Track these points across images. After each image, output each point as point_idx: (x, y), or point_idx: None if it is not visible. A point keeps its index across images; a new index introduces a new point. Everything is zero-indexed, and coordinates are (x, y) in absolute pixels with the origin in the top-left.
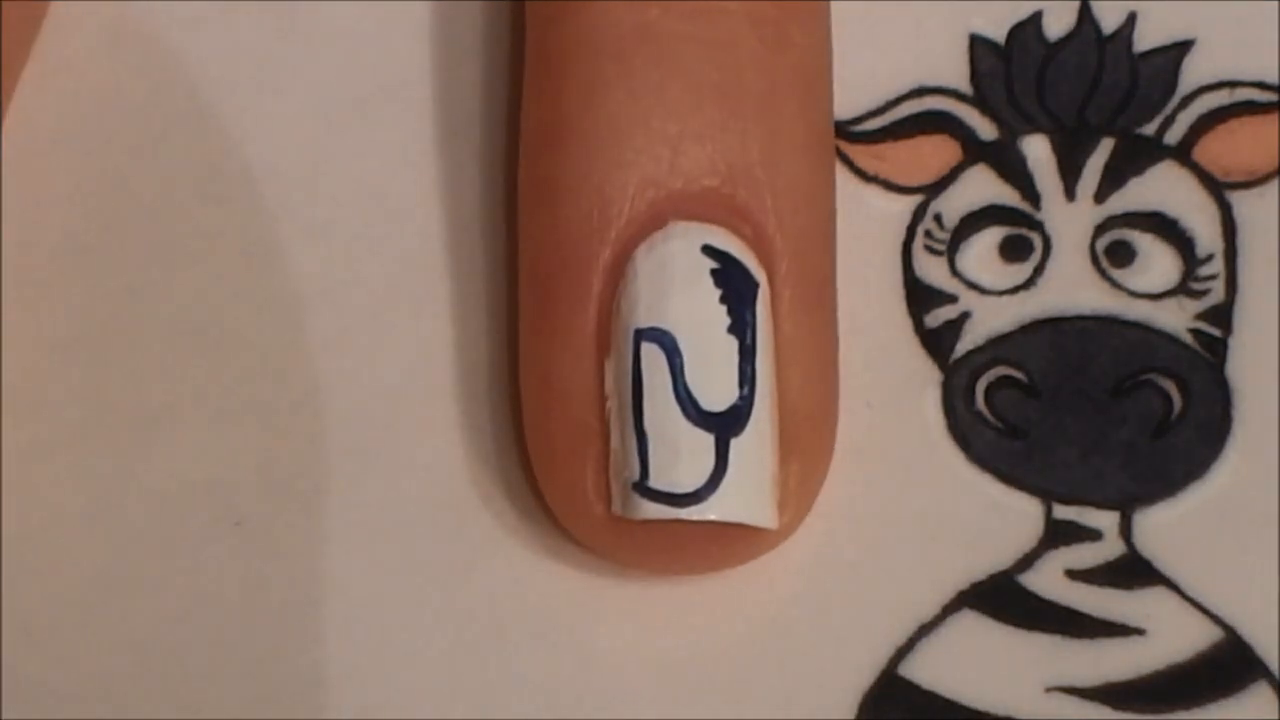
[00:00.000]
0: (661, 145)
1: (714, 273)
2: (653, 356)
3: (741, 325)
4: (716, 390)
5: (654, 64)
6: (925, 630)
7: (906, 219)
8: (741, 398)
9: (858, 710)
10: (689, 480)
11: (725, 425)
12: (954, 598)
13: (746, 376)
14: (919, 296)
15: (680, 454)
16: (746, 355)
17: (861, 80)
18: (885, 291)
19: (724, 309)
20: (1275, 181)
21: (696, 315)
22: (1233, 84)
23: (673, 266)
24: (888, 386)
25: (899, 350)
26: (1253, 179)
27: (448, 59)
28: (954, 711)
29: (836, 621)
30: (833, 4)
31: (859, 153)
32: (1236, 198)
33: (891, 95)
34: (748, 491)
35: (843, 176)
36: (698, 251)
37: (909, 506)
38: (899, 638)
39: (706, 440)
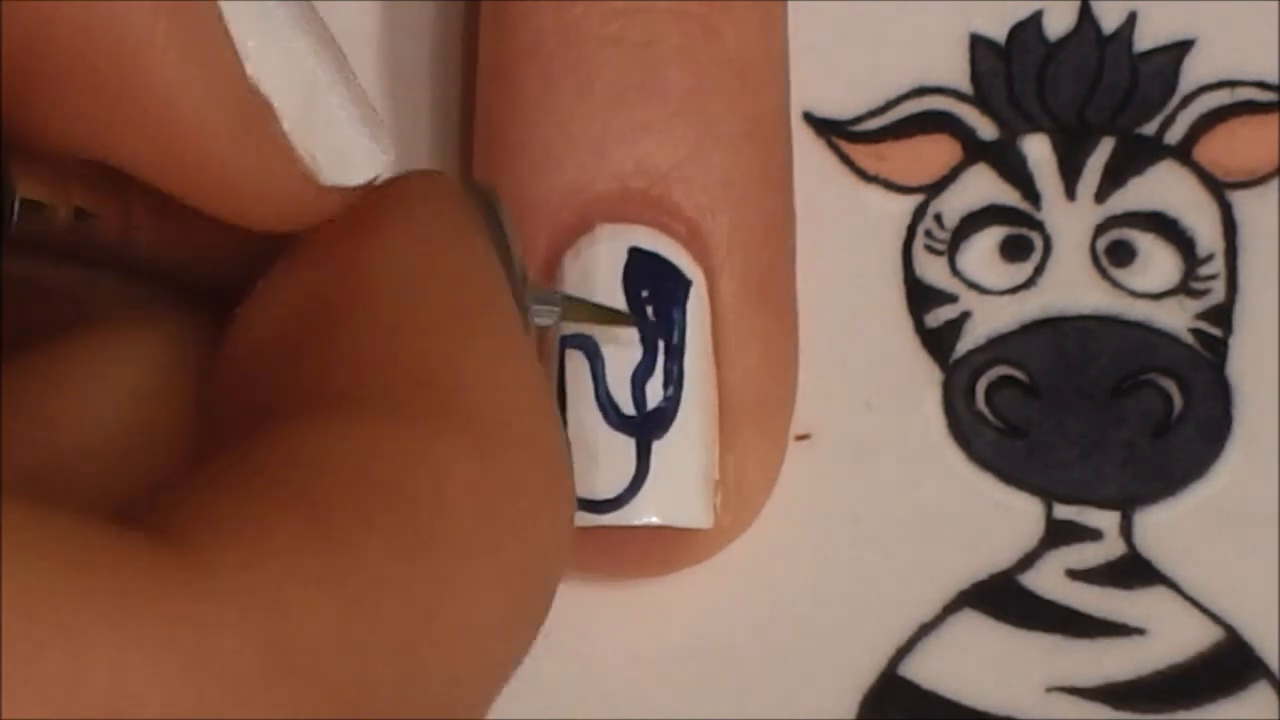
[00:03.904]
0: (584, 149)
1: (640, 274)
2: (576, 363)
3: (668, 325)
4: (639, 393)
5: (574, 67)
6: (925, 630)
7: (907, 219)
8: (666, 399)
9: (858, 710)
10: (607, 486)
11: (647, 428)
12: (954, 597)
13: (672, 377)
14: (919, 296)
15: (599, 460)
16: (673, 355)
17: (861, 80)
18: (885, 291)
19: (649, 309)
20: (1275, 181)
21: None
22: (1233, 84)
23: (597, 270)
24: (888, 386)
25: (899, 350)
26: (1253, 179)
27: (446, 60)
28: (954, 711)
29: (836, 621)
30: (834, 4)
31: (859, 153)
32: (1236, 197)
33: (892, 95)
34: (672, 493)
35: (843, 176)
36: (623, 254)
37: (909, 506)
38: (899, 638)
39: (627, 444)
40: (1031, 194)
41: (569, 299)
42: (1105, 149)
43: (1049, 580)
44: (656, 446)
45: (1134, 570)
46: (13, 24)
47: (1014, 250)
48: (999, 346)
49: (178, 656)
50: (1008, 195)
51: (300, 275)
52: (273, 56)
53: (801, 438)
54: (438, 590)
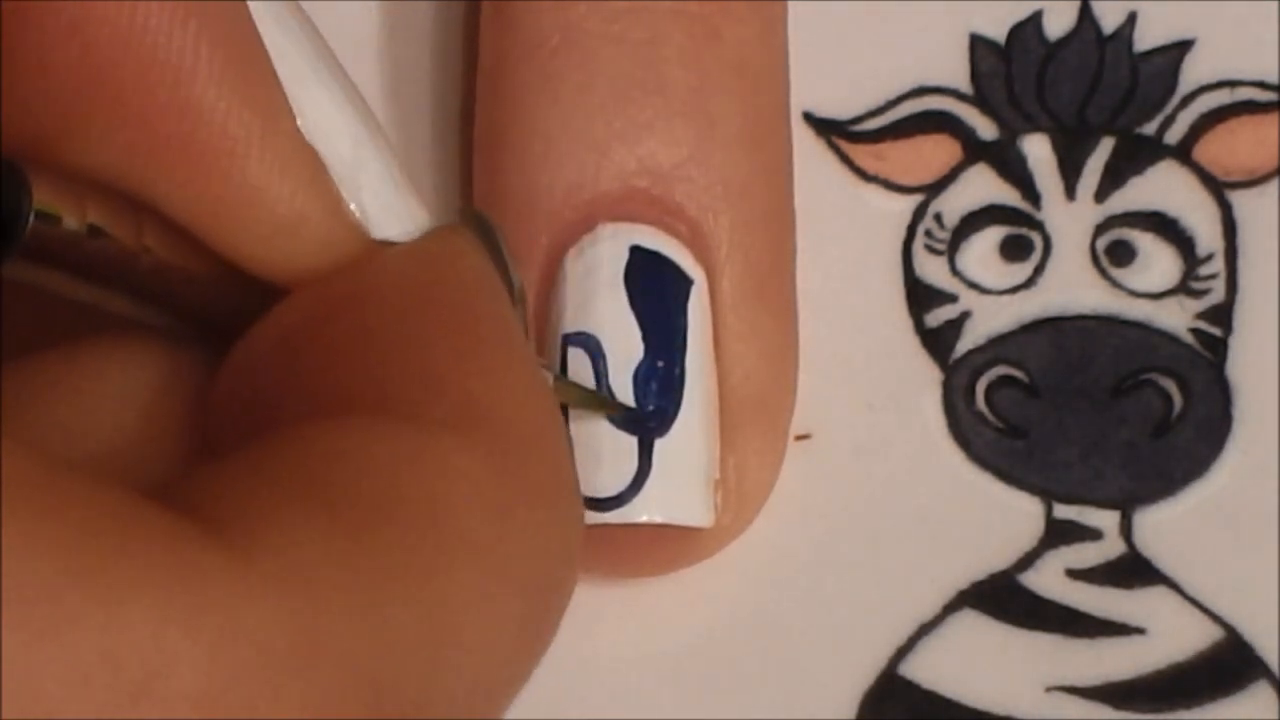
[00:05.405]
0: (587, 149)
1: (642, 272)
2: (578, 361)
3: (669, 325)
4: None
5: (578, 66)
6: (925, 630)
7: (907, 218)
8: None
9: (858, 710)
10: (611, 484)
11: (649, 426)
12: (954, 597)
13: (673, 376)
14: (919, 296)
15: (601, 459)
16: (674, 355)
17: (861, 80)
18: (885, 291)
19: (651, 308)
20: (1275, 181)
21: (621, 317)
22: (1233, 84)
23: (599, 269)
24: (888, 386)
25: (899, 350)
26: (1253, 179)
27: (446, 60)
28: (954, 711)
29: (836, 621)
30: (834, 4)
31: (859, 153)
32: (1236, 197)
33: (892, 95)
34: (673, 492)
35: (843, 176)
36: (625, 253)
37: (909, 506)
38: (899, 638)
39: (629, 443)
40: (1031, 194)
41: (559, 379)
42: (1105, 149)
43: (1049, 580)
44: (658, 445)
45: (1134, 570)
46: (70, 50)
47: (1014, 250)
48: (999, 346)
49: (214, 632)
50: (1008, 195)
51: (303, 295)
52: (323, 109)
53: (801, 438)
54: (456, 592)
